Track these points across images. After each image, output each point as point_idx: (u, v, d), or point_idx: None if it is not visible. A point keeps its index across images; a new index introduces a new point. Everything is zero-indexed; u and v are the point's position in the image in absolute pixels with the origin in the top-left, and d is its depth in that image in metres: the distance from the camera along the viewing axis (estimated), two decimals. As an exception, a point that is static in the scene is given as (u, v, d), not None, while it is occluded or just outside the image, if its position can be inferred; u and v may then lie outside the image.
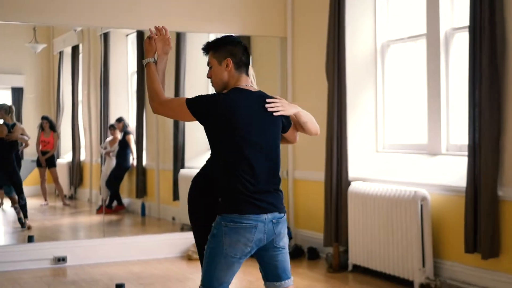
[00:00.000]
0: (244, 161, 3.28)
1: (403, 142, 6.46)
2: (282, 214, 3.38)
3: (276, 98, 3.43)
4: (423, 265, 5.52)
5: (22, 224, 7.41)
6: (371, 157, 6.59)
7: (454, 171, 5.62)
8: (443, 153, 5.90)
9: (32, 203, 7.92)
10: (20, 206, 7.47)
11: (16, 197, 7.50)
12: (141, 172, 8.51)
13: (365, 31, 6.60)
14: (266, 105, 3.38)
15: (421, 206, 5.52)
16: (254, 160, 3.31)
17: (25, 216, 7.47)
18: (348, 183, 6.32)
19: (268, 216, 3.31)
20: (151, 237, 7.15)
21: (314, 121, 3.67)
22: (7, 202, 7.83)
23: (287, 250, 3.47)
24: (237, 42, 3.45)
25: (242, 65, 3.41)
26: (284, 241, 3.44)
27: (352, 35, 6.50)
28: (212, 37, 7.98)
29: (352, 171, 6.42)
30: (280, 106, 3.41)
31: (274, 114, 3.39)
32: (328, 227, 6.49)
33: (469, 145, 5.25)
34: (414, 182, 5.76)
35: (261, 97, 3.42)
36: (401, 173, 6.04)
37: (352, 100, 6.50)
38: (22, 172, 7.77)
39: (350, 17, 6.47)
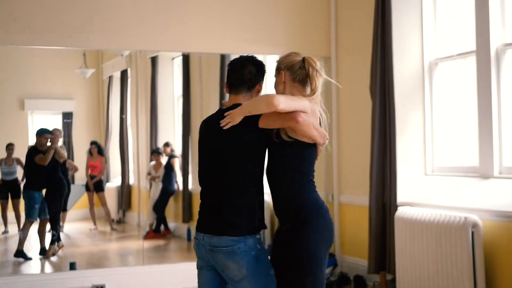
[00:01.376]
0: (199, 177, 3.43)
1: (453, 164, 6.03)
2: (218, 238, 3.23)
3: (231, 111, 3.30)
4: (475, 297, 5.09)
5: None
6: (419, 181, 6.18)
7: (508, 196, 5.18)
8: (496, 176, 5.46)
9: (81, 227, 7.80)
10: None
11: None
12: (187, 196, 8.29)
13: (412, 49, 6.22)
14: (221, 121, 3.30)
15: (472, 233, 5.09)
16: (203, 177, 3.39)
17: (53, 242, 7.28)
18: (395, 208, 5.92)
19: (203, 236, 3.29)
20: (193, 264, 6.83)
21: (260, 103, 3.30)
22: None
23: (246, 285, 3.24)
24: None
25: (230, 85, 3.44)
26: (235, 274, 3.23)
27: (398, 53, 6.12)
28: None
29: (399, 195, 6.02)
30: (228, 118, 3.28)
31: (224, 128, 3.27)
32: (373, 254, 6.09)
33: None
34: (465, 207, 5.33)
35: (222, 114, 3.35)
36: (451, 198, 5.62)
37: (399, 120, 6.11)
38: (71, 197, 7.67)
39: (396, 35, 6.09)
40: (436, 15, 6.20)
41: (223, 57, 7.74)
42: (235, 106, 3.31)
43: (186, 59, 8.21)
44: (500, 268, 5.10)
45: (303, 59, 3.44)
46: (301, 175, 3.31)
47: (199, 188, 7.86)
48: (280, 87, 3.44)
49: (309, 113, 3.26)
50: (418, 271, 5.53)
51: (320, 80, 3.41)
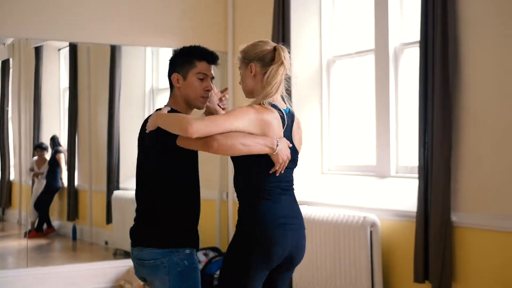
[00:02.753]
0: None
1: (350, 163, 5.94)
2: (143, 250, 2.95)
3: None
4: (373, 296, 4.99)
5: None
6: (316, 179, 6.05)
7: (405, 195, 5.12)
8: (393, 175, 5.40)
9: (-45, 225, 7.23)
10: None
11: None
12: (73, 193, 7.84)
13: (310, 46, 6.08)
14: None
15: (371, 232, 5.00)
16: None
17: None
18: (292, 207, 5.75)
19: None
20: (80, 266, 6.46)
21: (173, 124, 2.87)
22: None
23: None
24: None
25: None
26: None
27: (296, 50, 5.96)
28: (149, 50, 7.43)
29: (296, 194, 5.84)
30: (148, 123, 2.99)
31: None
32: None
33: (419, 167, 4.76)
34: (363, 207, 5.24)
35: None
36: (349, 197, 5.52)
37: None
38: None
39: (294, 32, 5.94)
40: (334, 12, 6.09)
41: (113, 49, 7.37)
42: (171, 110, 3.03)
43: (73, 50, 7.74)
44: (397, 267, 5.04)
45: (275, 48, 3.05)
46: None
47: (85, 185, 7.35)
48: (249, 82, 3.08)
49: (245, 126, 2.85)
50: (315, 271, 5.39)
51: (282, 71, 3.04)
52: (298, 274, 5.56)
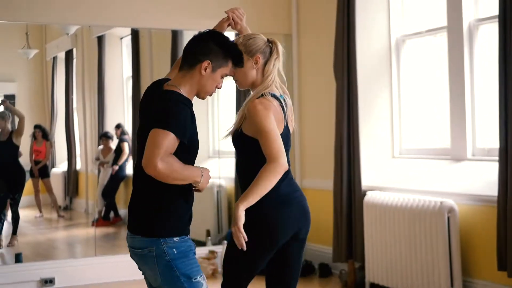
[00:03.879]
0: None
1: (422, 146, 5.62)
2: (133, 237, 2.82)
3: None
4: (452, 285, 4.68)
5: None
6: (387, 164, 5.75)
7: (483, 179, 4.80)
8: (469, 158, 5.07)
9: (26, 214, 7.18)
10: None
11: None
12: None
13: (378, 25, 5.76)
14: None
15: (448, 218, 4.69)
16: None
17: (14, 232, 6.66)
18: (362, 193, 5.48)
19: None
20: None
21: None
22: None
23: None
24: None
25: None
26: (157, 283, 2.84)
27: (363, 30, 5.66)
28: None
29: (366, 179, 5.57)
30: None
31: None
32: (339, 241, 5.64)
33: (500, 149, 4.43)
34: (438, 191, 4.93)
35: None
36: (423, 181, 5.20)
37: (364, 101, 5.66)
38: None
39: (360, 11, 5.63)
40: (403, -11, 5.76)
41: (175, 34, 7.18)
42: None
43: (135, 37, 7.61)
44: (477, 253, 4.73)
45: (271, 42, 3.19)
46: None
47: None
48: (251, 73, 3.10)
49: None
50: (389, 258, 5.11)
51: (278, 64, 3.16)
52: (371, 262, 5.29)
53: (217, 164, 7.05)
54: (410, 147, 5.73)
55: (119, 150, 7.73)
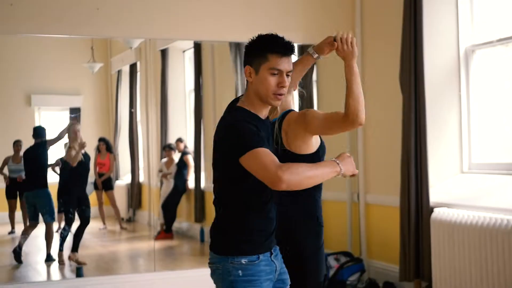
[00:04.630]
0: None
1: (493, 161, 5.30)
2: (210, 251, 2.77)
3: None
4: (526, 309, 4.37)
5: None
6: (455, 179, 5.45)
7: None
8: (544, 174, 4.75)
9: (89, 227, 7.15)
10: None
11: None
12: (199, 195, 7.63)
13: (446, 35, 5.47)
14: None
15: (522, 238, 4.38)
16: None
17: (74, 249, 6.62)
18: (430, 209, 5.19)
19: None
20: (208, 271, 6.13)
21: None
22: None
23: None
24: None
25: None
26: None
27: (431, 39, 5.38)
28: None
29: (433, 195, 5.28)
30: None
31: None
32: (405, 260, 5.36)
33: None
34: (511, 209, 4.61)
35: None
36: (494, 198, 4.89)
37: (432, 114, 5.37)
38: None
39: (428, 19, 5.35)
40: (472, -3, 5.47)
41: (237, 45, 7.06)
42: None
43: (197, 51, 7.56)
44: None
45: None
46: None
47: (211, 186, 7.07)
48: None
49: None
50: (458, 278, 4.82)
51: None
52: (439, 283, 5.00)
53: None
54: (480, 161, 5.42)
55: (181, 163, 7.67)
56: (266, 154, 2.48)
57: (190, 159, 7.72)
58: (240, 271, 2.61)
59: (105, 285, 5.66)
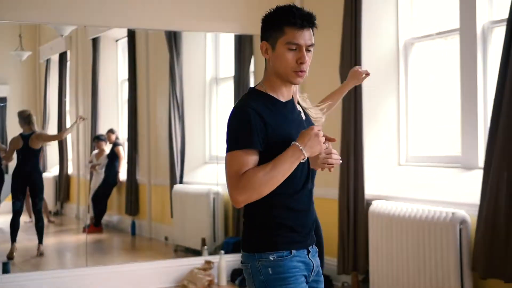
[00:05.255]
0: None
1: (430, 154, 5.29)
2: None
3: None
4: (463, 301, 4.36)
5: None
6: (393, 172, 5.42)
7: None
8: (481, 167, 4.72)
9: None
10: None
11: None
12: (134, 187, 7.38)
13: (386, 27, 5.44)
14: None
15: (460, 230, 4.36)
16: None
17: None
18: (367, 202, 5.14)
19: None
20: (142, 265, 5.94)
21: None
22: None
23: None
24: None
25: None
26: None
27: (370, 32, 5.34)
28: (210, 37, 6.90)
29: (371, 188, 5.24)
30: None
31: None
32: (343, 253, 5.30)
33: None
34: (448, 202, 4.60)
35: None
36: (431, 191, 4.87)
37: (370, 106, 5.33)
38: (5, 187, 6.68)
39: (368, 12, 5.31)
40: (413, -10, 5.44)
41: (172, 36, 6.87)
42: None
43: (131, 38, 7.30)
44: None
45: None
46: None
47: (144, 179, 6.77)
48: None
49: None
50: (395, 270, 4.78)
51: None
52: (376, 275, 4.95)
53: (214, 170, 6.72)
54: (417, 154, 5.40)
55: (113, 155, 7.39)
56: (237, 160, 2.25)
57: (122, 150, 7.45)
58: (269, 269, 2.34)
59: (34, 282, 5.40)
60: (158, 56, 7.24)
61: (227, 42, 6.81)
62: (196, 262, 5.92)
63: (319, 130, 2.26)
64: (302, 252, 2.39)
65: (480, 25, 4.72)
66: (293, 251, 2.36)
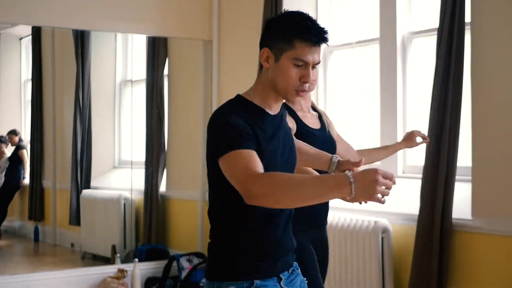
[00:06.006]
0: None
1: (349, 162, 5.27)
2: None
3: None
4: (384, 309, 4.35)
5: None
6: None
7: (414, 197, 4.50)
8: (400, 176, 4.76)
9: None
10: None
11: None
12: (39, 192, 7.01)
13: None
14: None
15: (382, 239, 4.36)
16: None
17: None
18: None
19: None
20: (47, 274, 5.61)
21: None
22: None
23: None
24: None
25: None
26: None
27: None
28: (120, 37, 6.65)
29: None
30: None
31: None
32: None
33: (425, 167, 4.21)
34: (370, 210, 4.58)
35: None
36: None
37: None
38: None
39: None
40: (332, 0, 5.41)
41: (82, 34, 6.57)
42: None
43: (37, 37, 6.94)
44: (408, 277, 4.41)
45: None
46: None
47: (49, 183, 6.40)
48: None
49: None
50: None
51: None
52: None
53: (124, 175, 6.48)
54: (335, 162, 5.37)
55: (15, 158, 7.00)
56: (242, 157, 1.96)
57: (25, 154, 7.07)
58: None
59: None
60: (65, 56, 6.92)
61: (140, 44, 6.58)
62: (109, 270, 5.66)
63: (385, 177, 1.84)
64: (270, 281, 2.15)
65: (400, 35, 4.74)
66: (256, 282, 2.12)
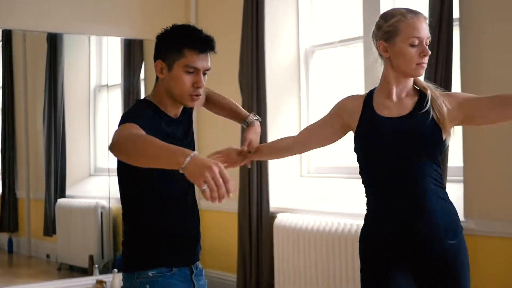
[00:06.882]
0: None
1: (333, 165, 5.13)
2: None
3: None
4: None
5: None
6: (294, 183, 5.22)
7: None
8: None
9: None
10: None
11: None
12: (12, 202, 6.77)
13: (287, 35, 5.25)
14: None
15: (371, 243, 4.22)
16: None
17: None
18: (268, 215, 4.91)
19: None
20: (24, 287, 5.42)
21: None
22: None
23: None
24: None
25: None
26: None
27: (270, 38, 5.13)
28: (94, 40, 6.44)
29: (275, 200, 5.02)
30: None
31: None
32: (244, 268, 5.05)
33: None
34: (352, 213, 4.45)
35: None
36: (336, 203, 4.72)
37: (273, 113, 5.12)
38: None
39: (269, 19, 5.09)
40: (313, -2, 5.29)
41: (54, 37, 6.35)
42: None
43: (7, 40, 6.70)
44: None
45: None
46: None
47: (23, 193, 6.11)
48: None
49: None
50: (303, 285, 4.58)
51: None
52: (284, 291, 4.73)
53: (101, 183, 6.28)
54: (319, 165, 5.23)
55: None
56: (130, 126, 2.12)
57: (-3, 162, 6.84)
58: (147, 285, 2.26)
59: None
60: (37, 60, 6.69)
61: (115, 47, 6.38)
62: (87, 281, 5.48)
63: (221, 175, 1.80)
64: (183, 270, 2.31)
65: (384, 33, 4.61)
66: (174, 269, 2.29)
